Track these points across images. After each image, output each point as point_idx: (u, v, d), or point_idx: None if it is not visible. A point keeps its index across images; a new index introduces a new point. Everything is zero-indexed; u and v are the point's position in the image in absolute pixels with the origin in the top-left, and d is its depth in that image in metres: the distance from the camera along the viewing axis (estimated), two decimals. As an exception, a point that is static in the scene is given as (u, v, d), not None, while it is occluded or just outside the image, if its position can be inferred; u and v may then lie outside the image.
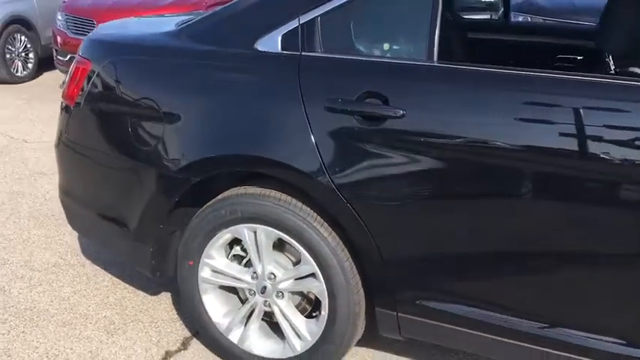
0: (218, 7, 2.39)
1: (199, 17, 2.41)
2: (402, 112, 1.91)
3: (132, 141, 2.34)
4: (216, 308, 2.40)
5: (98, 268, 3.16)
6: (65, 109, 2.58)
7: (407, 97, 1.93)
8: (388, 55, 2.14)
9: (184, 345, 2.58)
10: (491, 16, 4.35)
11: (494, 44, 2.80)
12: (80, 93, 2.48)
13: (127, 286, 3.00)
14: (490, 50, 2.66)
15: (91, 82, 2.43)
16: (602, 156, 1.73)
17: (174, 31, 2.39)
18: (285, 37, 2.13)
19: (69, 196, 2.71)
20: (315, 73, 2.06)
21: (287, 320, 2.29)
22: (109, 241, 2.61)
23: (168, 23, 2.54)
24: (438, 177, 1.94)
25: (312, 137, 2.02)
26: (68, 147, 2.59)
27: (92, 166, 2.53)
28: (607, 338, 1.87)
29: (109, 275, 3.10)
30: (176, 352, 2.55)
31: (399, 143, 1.94)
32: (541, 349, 1.95)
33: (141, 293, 2.93)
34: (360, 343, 2.37)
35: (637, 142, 1.69)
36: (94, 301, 2.89)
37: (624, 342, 1.85)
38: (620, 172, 1.73)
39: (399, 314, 2.12)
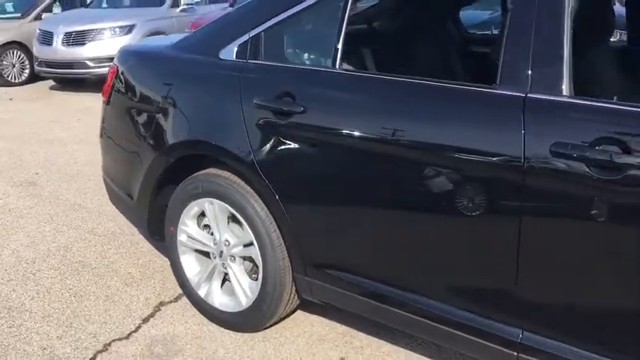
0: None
1: (193, 32, 2.99)
2: (302, 108, 2.34)
3: (135, 130, 2.97)
4: (191, 268, 2.95)
5: (142, 238, 3.85)
6: (104, 104, 3.29)
7: (308, 97, 2.36)
8: (307, 62, 2.57)
9: (176, 299, 3.15)
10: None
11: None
12: (110, 92, 3.16)
13: (157, 252, 3.65)
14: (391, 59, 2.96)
15: (115, 83, 3.11)
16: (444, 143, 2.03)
17: (174, 43, 2.99)
18: (239, 47, 2.63)
19: (107, 176, 3.41)
20: (252, 77, 2.55)
21: (237, 280, 2.77)
22: (125, 210, 3.26)
23: (179, 37, 3.15)
24: (332, 162, 2.33)
25: (245, 127, 2.50)
26: (103, 136, 3.29)
27: (116, 150, 3.19)
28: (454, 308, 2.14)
29: (147, 244, 3.78)
30: (168, 302, 3.13)
31: (301, 133, 2.37)
32: (410, 315, 2.26)
33: (165, 258, 3.56)
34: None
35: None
36: (126, 261, 3.57)
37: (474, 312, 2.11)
38: (457, 163, 2.02)
39: (310, 279, 2.52)
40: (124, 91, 3.07)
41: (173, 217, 2.90)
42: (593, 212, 1.79)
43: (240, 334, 2.83)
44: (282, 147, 2.42)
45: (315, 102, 2.34)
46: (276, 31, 2.56)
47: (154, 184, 2.90)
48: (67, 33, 9.10)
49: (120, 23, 9.18)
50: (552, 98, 1.87)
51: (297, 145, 2.39)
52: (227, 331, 2.86)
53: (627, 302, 1.82)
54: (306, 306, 2.88)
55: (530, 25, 1.93)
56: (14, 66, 10.21)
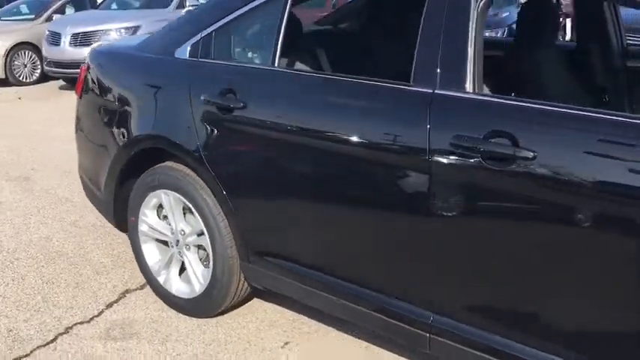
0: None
1: (155, 33, 3.15)
2: (242, 104, 2.48)
3: (102, 124, 3.14)
4: (152, 256, 3.10)
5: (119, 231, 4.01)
6: (77, 101, 3.46)
7: (248, 92, 2.50)
8: (249, 61, 2.71)
9: (142, 287, 3.30)
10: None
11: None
12: (82, 89, 3.33)
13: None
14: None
15: (85, 80, 3.28)
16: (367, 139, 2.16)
17: (138, 43, 3.15)
18: (191, 47, 2.78)
19: (81, 170, 3.58)
20: (201, 74, 2.70)
21: (192, 268, 2.92)
22: (96, 202, 3.42)
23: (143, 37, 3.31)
24: (269, 156, 2.47)
25: (194, 122, 2.65)
26: (77, 131, 3.46)
27: (87, 144, 3.36)
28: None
29: (124, 236, 3.92)
30: (134, 290, 3.29)
31: (241, 128, 2.51)
32: (335, 299, 2.39)
33: (136, 249, 3.71)
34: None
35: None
36: (101, 252, 3.74)
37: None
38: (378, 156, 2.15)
39: (253, 266, 2.66)
40: (92, 88, 3.23)
41: (134, 207, 3.06)
42: (487, 203, 1.90)
43: (195, 319, 2.98)
44: (225, 141, 2.57)
45: (253, 98, 2.48)
46: (224, 32, 2.70)
47: (118, 175, 3.06)
48: (74, 34, 9.35)
49: (126, 24, 9.41)
50: (455, 94, 1.98)
51: (238, 139, 2.53)
52: (184, 316, 3.01)
53: (522, 286, 1.93)
54: (262, 294, 3.02)
55: (440, 27, 2.05)
56: (25, 66, 10.51)
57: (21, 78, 10.45)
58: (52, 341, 2.85)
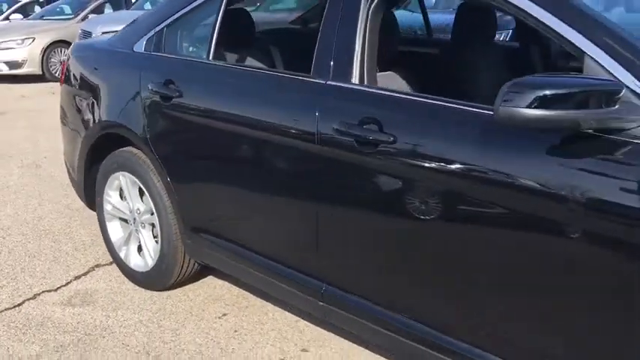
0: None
1: (123, 28, 3.45)
2: (178, 93, 2.74)
3: (76, 111, 3.45)
4: (115, 233, 3.39)
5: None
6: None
7: (185, 83, 2.76)
8: (191, 54, 2.97)
9: (111, 262, 3.59)
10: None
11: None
12: (63, 79, 3.66)
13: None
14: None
15: (65, 72, 3.60)
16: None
17: (110, 38, 3.45)
18: (146, 41, 3.06)
19: (64, 156, 3.91)
20: (150, 66, 2.97)
21: (145, 244, 3.20)
22: (72, 183, 3.74)
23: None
24: (201, 140, 2.72)
25: (143, 110, 2.92)
26: (61, 119, 3.79)
27: (65, 131, 3.68)
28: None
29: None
30: (103, 265, 3.58)
31: (178, 115, 2.77)
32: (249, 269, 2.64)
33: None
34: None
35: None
36: (85, 231, 4.06)
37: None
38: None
39: (190, 242, 2.92)
40: (69, 78, 3.55)
41: (99, 189, 3.36)
42: (361, 182, 2.11)
43: (150, 291, 3.25)
44: (166, 127, 2.84)
45: (188, 87, 2.74)
46: (173, 28, 2.97)
47: (85, 159, 3.36)
48: (103, 33, 9.81)
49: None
50: (342, 85, 2.20)
51: (175, 125, 2.80)
52: (140, 289, 3.29)
53: (385, 253, 2.13)
54: (217, 272, 3.26)
55: (335, 25, 2.27)
56: (61, 63, 11.05)
57: (57, 74, 11.01)
58: (19, 305, 3.17)
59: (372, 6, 2.23)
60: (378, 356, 2.64)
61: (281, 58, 3.10)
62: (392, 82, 2.62)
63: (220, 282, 3.34)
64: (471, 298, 1.96)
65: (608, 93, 1.57)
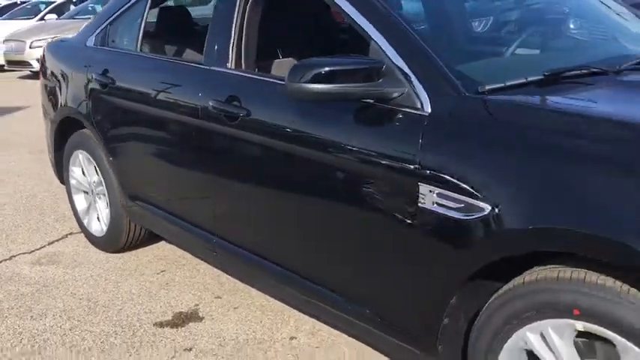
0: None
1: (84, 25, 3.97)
2: (112, 80, 3.24)
3: (47, 100, 4.00)
4: (80, 204, 3.93)
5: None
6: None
7: (116, 72, 3.25)
8: (125, 47, 3.46)
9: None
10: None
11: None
12: (40, 72, 4.21)
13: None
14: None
15: (41, 65, 4.15)
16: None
17: (76, 34, 3.97)
18: (95, 37, 3.57)
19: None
20: (95, 58, 3.48)
21: (100, 212, 3.72)
22: (52, 164, 4.29)
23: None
24: (131, 120, 3.21)
25: (89, 96, 3.44)
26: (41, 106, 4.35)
27: (43, 116, 4.24)
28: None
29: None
30: (76, 233, 4.12)
31: (113, 98, 3.27)
32: (172, 225, 3.11)
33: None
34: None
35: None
36: (65, 206, 4.58)
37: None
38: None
39: (129, 208, 3.42)
40: (44, 71, 4.09)
41: (65, 165, 3.90)
42: (231, 152, 2.56)
43: (107, 254, 3.77)
44: (105, 109, 3.34)
45: (119, 76, 3.23)
46: (115, 25, 3.47)
47: (54, 140, 3.91)
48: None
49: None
50: (219, 70, 2.65)
51: (110, 107, 3.30)
52: (99, 251, 3.82)
53: (269, 216, 2.57)
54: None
55: (221, 19, 2.71)
56: None
57: None
58: (-4, 265, 3.74)
59: (249, 4, 2.66)
60: (270, 298, 3.08)
61: (193, 49, 3.55)
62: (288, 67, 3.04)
63: (169, 246, 3.83)
64: (313, 248, 2.39)
65: (374, 70, 1.97)
